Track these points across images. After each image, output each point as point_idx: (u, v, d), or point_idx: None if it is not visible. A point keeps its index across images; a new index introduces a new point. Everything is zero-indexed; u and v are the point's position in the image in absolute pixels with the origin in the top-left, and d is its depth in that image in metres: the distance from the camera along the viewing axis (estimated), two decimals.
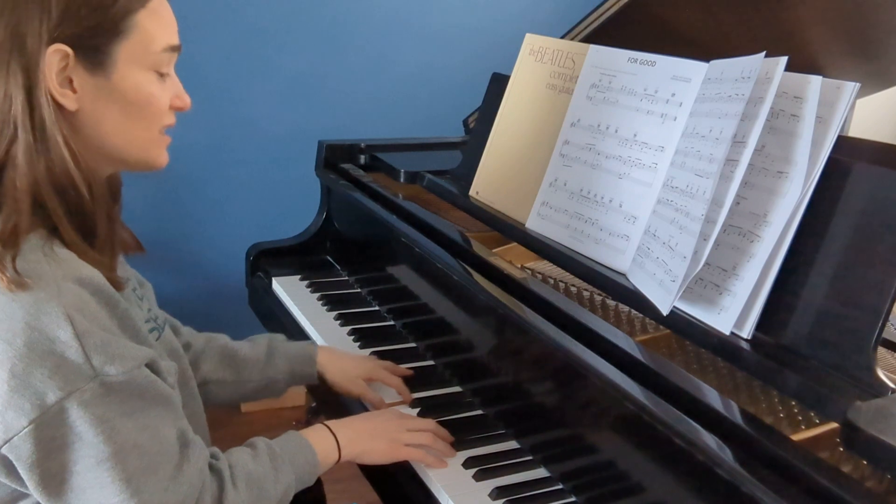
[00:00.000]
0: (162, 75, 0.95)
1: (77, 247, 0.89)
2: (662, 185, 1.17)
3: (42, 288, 0.83)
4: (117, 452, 0.86)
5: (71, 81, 0.88)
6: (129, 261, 1.10)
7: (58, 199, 0.88)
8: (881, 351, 1.09)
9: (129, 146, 0.95)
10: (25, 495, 0.90)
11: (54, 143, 0.87)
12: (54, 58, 0.86)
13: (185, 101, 0.99)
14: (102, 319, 0.87)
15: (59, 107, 0.88)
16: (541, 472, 1.15)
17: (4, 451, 0.83)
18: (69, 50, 0.86)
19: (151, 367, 0.92)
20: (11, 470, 0.86)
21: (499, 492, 1.10)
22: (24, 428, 0.82)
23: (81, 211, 0.90)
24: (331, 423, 1.16)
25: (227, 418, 2.55)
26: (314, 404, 2.60)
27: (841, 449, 0.90)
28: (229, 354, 1.30)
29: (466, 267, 1.35)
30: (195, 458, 0.94)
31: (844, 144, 0.97)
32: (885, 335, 1.06)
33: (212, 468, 0.98)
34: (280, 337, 1.38)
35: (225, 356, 1.30)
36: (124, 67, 0.90)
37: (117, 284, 0.92)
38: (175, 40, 0.95)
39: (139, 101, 0.92)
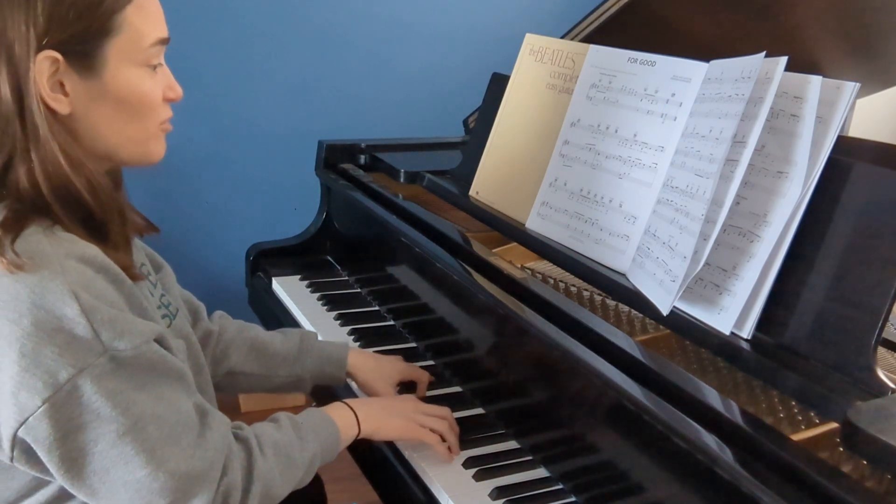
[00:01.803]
0: (153, 69, 0.93)
1: (82, 237, 0.89)
2: (662, 185, 1.17)
3: (45, 266, 0.82)
4: (136, 423, 0.85)
5: (62, 85, 0.87)
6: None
7: (60, 205, 0.87)
8: (881, 351, 1.09)
9: (127, 144, 0.94)
10: (46, 483, 0.90)
11: (48, 149, 0.86)
12: (44, 65, 0.85)
13: (178, 91, 0.97)
14: (109, 296, 0.87)
15: (52, 112, 0.87)
16: (541, 472, 1.15)
17: (21, 433, 0.83)
18: (59, 55, 0.85)
19: (161, 342, 0.92)
20: (31, 455, 0.86)
21: (499, 492, 1.10)
22: (39, 408, 0.82)
23: (89, 215, 0.89)
24: (349, 400, 1.16)
25: (234, 411, 2.55)
26: (314, 404, 2.60)
27: (841, 449, 0.90)
28: (259, 347, 1.30)
29: (466, 267, 1.35)
30: (216, 425, 0.94)
31: (844, 144, 0.97)
32: (885, 335, 1.06)
33: (238, 437, 0.98)
34: (313, 334, 1.36)
35: (255, 349, 1.29)
36: (115, 66, 0.89)
37: (134, 276, 0.92)
38: (164, 33, 0.94)
39: (132, 98, 0.91)
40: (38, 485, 0.91)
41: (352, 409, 1.14)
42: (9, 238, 0.83)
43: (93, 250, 0.87)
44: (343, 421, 1.12)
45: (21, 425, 0.82)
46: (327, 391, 1.38)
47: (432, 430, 1.17)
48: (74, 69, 0.87)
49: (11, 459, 0.86)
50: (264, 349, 1.30)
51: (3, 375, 0.82)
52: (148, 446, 0.86)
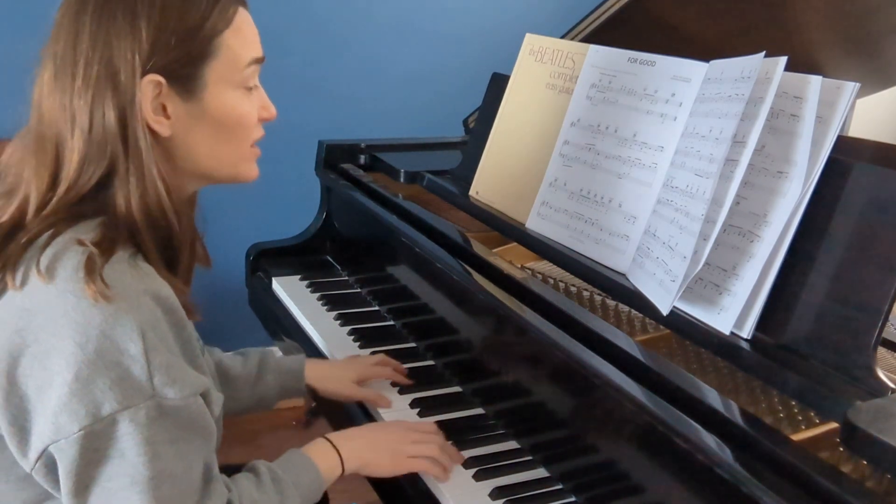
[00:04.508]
0: (249, 90, 0.97)
1: (159, 270, 0.91)
2: (662, 185, 1.17)
3: (123, 298, 0.84)
4: (153, 478, 0.85)
5: (165, 108, 0.91)
6: None
7: (148, 228, 0.90)
8: (881, 351, 1.09)
9: (221, 165, 0.98)
10: (46, 500, 0.90)
11: (148, 174, 0.89)
12: (148, 88, 0.88)
13: (272, 111, 1.01)
14: (169, 341, 0.88)
15: (153, 134, 0.90)
16: (541, 472, 1.15)
17: (51, 449, 0.84)
18: (162, 79, 0.89)
19: (205, 396, 0.93)
20: (51, 470, 0.86)
21: (499, 492, 1.10)
22: (74, 433, 0.82)
23: (169, 242, 0.93)
24: (332, 435, 1.14)
25: (228, 418, 2.54)
26: (314, 404, 2.60)
27: (841, 449, 0.90)
28: (222, 372, 1.29)
29: (466, 267, 1.35)
30: (216, 497, 0.94)
31: (844, 144, 0.97)
32: (885, 335, 1.06)
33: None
34: (272, 352, 1.36)
35: (218, 374, 1.28)
36: (214, 89, 0.93)
37: (191, 313, 0.94)
38: (259, 52, 0.97)
39: (230, 120, 0.95)
40: (45, 499, 0.91)
41: (335, 447, 1.12)
42: (102, 261, 0.85)
43: (167, 290, 0.89)
44: (325, 462, 1.10)
45: (53, 443, 0.84)
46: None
47: (425, 455, 1.14)
48: (176, 91, 0.91)
49: (31, 471, 0.87)
50: (226, 373, 1.29)
51: (52, 392, 0.83)
52: (154, 503, 0.86)
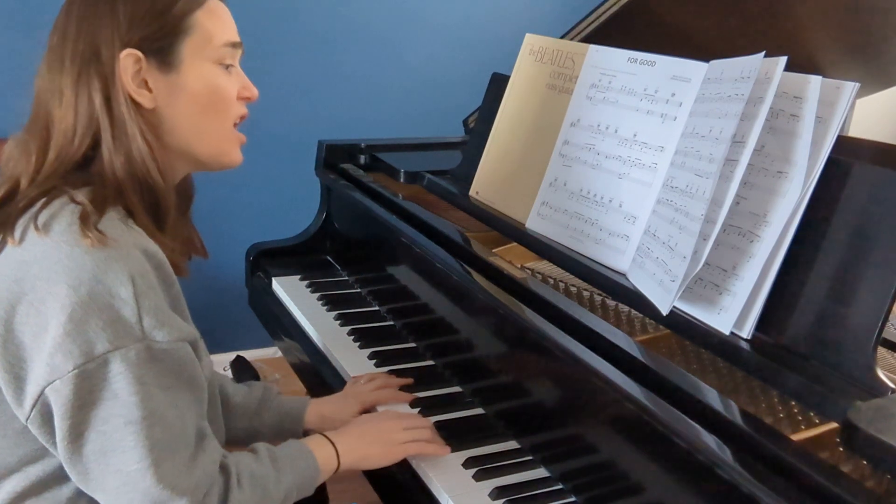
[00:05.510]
0: (227, 68, 1.03)
1: (148, 230, 0.96)
2: (662, 185, 1.17)
3: (115, 248, 0.89)
4: (146, 417, 0.89)
5: (146, 82, 0.97)
6: None
7: (135, 190, 0.96)
8: (881, 351, 1.09)
9: (203, 140, 1.03)
10: (49, 455, 0.93)
11: (132, 137, 0.96)
12: (127, 61, 0.96)
13: (253, 91, 1.07)
14: (157, 291, 0.93)
15: (137, 106, 0.97)
16: (541, 472, 1.15)
17: (47, 391, 0.87)
18: (140, 53, 0.96)
19: (194, 347, 0.97)
20: (47, 419, 0.89)
21: (499, 492, 1.10)
22: (69, 372, 0.86)
23: (156, 200, 0.98)
24: (328, 433, 1.16)
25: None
26: None
27: (841, 449, 0.90)
28: (224, 397, 1.28)
29: (466, 267, 1.35)
30: (210, 451, 0.97)
31: (844, 144, 0.97)
32: (885, 335, 1.06)
33: (220, 466, 0.99)
34: (275, 389, 1.35)
35: (220, 397, 1.26)
36: (190, 63, 0.99)
37: (180, 269, 1.00)
38: (234, 37, 1.04)
39: (207, 92, 1.01)
40: (41, 455, 0.94)
41: (332, 442, 1.13)
42: (96, 216, 0.90)
43: (155, 248, 0.95)
44: (321, 454, 1.11)
45: (48, 385, 0.87)
46: None
47: (417, 440, 1.16)
48: (155, 66, 0.98)
49: (27, 419, 0.90)
50: (227, 400, 1.28)
51: (47, 335, 0.87)
52: (148, 444, 0.89)
